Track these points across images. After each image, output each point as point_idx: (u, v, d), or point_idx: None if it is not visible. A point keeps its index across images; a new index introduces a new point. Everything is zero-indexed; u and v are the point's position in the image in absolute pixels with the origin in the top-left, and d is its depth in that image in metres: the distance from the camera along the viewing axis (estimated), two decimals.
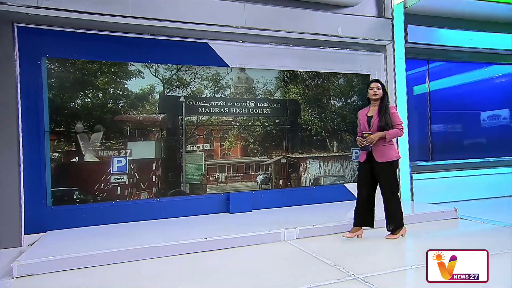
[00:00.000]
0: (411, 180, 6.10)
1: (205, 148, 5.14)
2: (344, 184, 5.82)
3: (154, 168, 4.78)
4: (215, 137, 5.22)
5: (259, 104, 5.46)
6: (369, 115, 3.52)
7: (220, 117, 5.24)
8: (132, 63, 4.77)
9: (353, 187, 5.72)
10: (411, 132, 6.17)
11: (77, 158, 4.48)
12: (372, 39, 5.92)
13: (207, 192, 5.09)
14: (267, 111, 5.49)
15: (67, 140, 4.45)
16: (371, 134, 3.38)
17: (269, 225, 4.18)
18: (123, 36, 4.68)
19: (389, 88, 6.09)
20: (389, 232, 3.71)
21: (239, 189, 5.26)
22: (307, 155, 5.65)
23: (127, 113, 4.73)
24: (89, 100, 4.57)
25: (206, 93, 5.17)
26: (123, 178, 4.62)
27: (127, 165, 4.65)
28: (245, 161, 5.36)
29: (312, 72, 5.78)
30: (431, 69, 7.02)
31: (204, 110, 5.15)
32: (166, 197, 4.83)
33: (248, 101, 5.39)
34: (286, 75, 5.63)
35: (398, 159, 3.55)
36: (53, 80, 4.39)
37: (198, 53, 5.06)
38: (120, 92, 4.72)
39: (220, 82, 5.24)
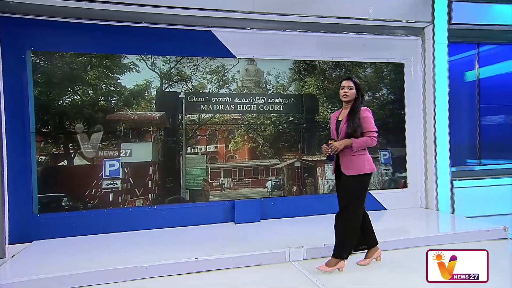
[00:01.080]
0: (452, 187, 5.45)
1: (207, 150, 4.90)
2: (370, 191, 5.32)
3: (150, 172, 4.59)
4: (219, 137, 4.96)
5: (270, 100, 5.10)
6: (339, 119, 3.16)
7: (225, 115, 4.96)
8: (126, 55, 4.56)
9: (381, 195, 5.37)
10: (454, 129, 5.50)
11: (65, 161, 4.35)
12: (407, 21, 5.29)
13: (210, 199, 4.85)
14: (280, 107, 5.13)
15: (55, 141, 4.32)
16: (335, 141, 3.03)
17: (275, 240, 3.86)
18: (116, 26, 4.44)
19: (427, 79, 5.48)
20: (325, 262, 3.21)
21: (246, 197, 4.96)
22: (325, 158, 5.19)
23: (120, 112, 4.54)
24: (78, 97, 4.41)
25: (210, 88, 4.89)
26: (116, 184, 4.46)
27: (121, 169, 4.48)
28: (253, 165, 5.04)
29: (333, 62, 5.33)
30: (482, 54, 6.21)
31: (207, 107, 4.87)
32: (163, 205, 4.63)
33: (258, 97, 5.06)
34: (302, 66, 5.23)
35: (369, 174, 3.07)
36: (39, 75, 4.24)
37: (200, 43, 4.77)
38: (113, 88, 4.52)
39: (226, 76, 4.94)
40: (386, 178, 5.48)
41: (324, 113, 5.28)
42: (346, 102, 3.12)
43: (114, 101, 4.53)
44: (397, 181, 5.52)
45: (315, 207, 5.09)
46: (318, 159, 5.23)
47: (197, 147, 4.84)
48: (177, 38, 4.67)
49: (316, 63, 5.28)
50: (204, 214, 4.75)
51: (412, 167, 5.55)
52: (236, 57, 4.93)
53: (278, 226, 4.58)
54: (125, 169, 4.51)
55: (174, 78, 4.74)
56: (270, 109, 5.10)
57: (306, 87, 5.24)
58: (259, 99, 5.06)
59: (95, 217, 4.36)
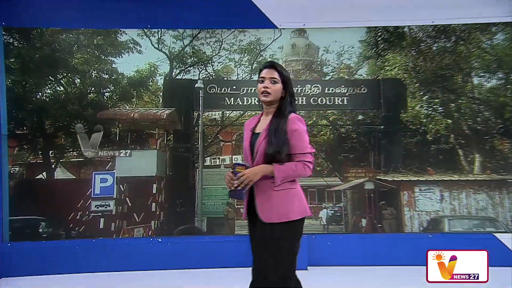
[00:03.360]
0: None
1: (234, 161, 4.18)
2: (495, 233, 4.01)
3: (154, 191, 4.00)
4: None
5: (329, 90, 4.20)
6: (256, 131, 2.31)
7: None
8: (124, 30, 4.01)
9: None
10: None
11: (44, 173, 3.88)
12: None
13: (236, 232, 4.09)
14: (342, 100, 4.18)
15: (32, 147, 3.92)
16: (247, 167, 2.15)
17: None
18: None
19: None
20: None
21: None
22: (416, 178, 4.16)
23: (115, 108, 4.06)
24: (62, 88, 4.04)
25: (238, 74, 4.18)
26: (109, 205, 3.92)
27: (115, 185, 3.92)
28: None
29: (434, 26, 4.15)
30: None
31: (234, 102, 4.12)
32: (171, 237, 3.95)
33: (309, 85, 4.20)
34: (380, 36, 4.23)
35: (302, 220, 2.16)
36: (12, 60, 3.82)
37: (226, 8, 4.03)
38: (106, 76, 4.02)
39: (262, 55, 4.16)
40: None
41: (416, 107, 4.18)
42: (267, 104, 2.25)
43: (107, 94, 4.07)
44: None
45: (399, 254, 3.91)
46: (404, 179, 4.11)
47: (219, 158, 4.24)
48: (192, 4, 3.97)
49: (405, 29, 4.22)
50: (226, 252, 3.86)
51: None
52: (277, 27, 4.09)
53: (333, 278, 3.57)
54: (120, 186, 3.94)
55: (189, 60, 4.12)
56: (327, 102, 4.21)
57: (387, 68, 4.22)
58: (311, 89, 4.20)
59: (80, 249, 3.70)
